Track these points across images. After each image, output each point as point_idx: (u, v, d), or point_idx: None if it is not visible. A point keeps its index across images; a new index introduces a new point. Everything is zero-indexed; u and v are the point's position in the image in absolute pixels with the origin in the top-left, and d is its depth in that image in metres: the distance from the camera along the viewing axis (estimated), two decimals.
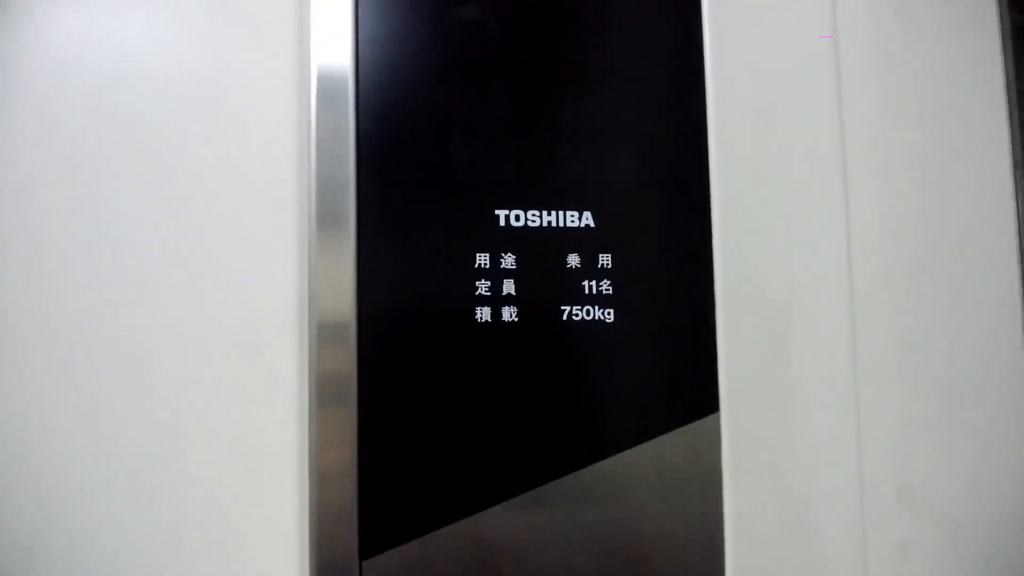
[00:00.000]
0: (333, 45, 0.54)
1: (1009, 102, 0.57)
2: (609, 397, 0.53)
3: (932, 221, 0.56)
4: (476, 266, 0.52)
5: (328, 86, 0.54)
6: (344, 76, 0.54)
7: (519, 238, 0.53)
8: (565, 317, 0.52)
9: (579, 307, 0.53)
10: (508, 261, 0.53)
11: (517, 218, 0.53)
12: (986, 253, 0.56)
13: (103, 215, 0.54)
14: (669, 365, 0.54)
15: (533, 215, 0.53)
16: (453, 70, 0.55)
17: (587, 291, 0.53)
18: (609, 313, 0.53)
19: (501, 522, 0.50)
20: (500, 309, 0.52)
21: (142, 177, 0.54)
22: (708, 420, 0.53)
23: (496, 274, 0.52)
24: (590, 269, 0.53)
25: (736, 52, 0.57)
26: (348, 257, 0.52)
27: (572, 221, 0.54)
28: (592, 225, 0.54)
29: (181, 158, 0.54)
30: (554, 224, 0.54)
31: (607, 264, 0.53)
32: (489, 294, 0.52)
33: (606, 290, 0.53)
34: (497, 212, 0.54)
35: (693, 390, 0.54)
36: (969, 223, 0.56)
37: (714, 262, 0.55)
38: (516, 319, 0.52)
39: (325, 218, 0.52)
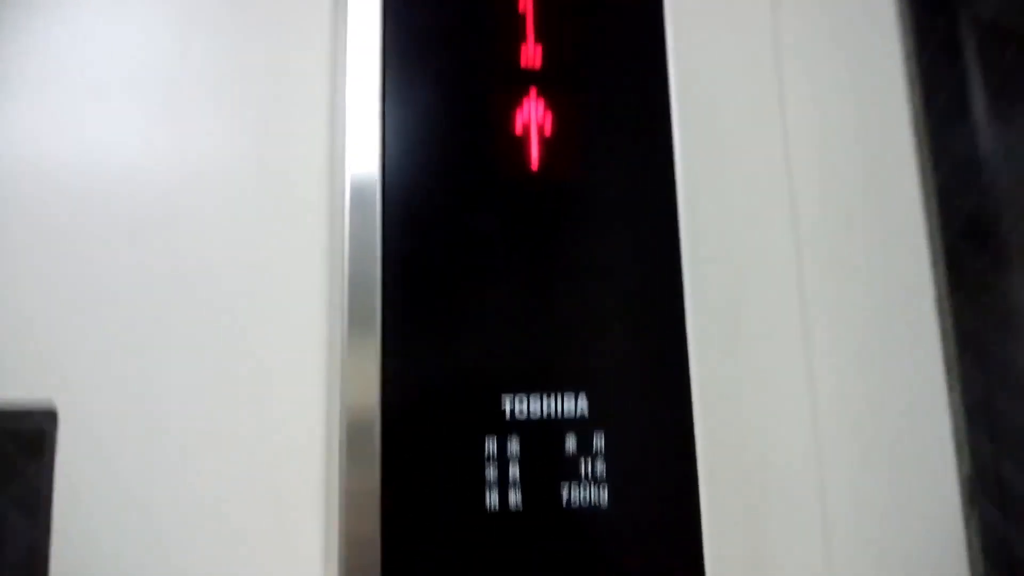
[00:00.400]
0: (363, 157, 0.63)
1: (937, 292, 0.66)
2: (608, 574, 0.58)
3: (885, 401, 0.64)
4: (485, 452, 0.59)
5: (358, 195, 0.62)
6: (372, 187, 0.62)
7: (522, 422, 0.60)
8: (564, 502, 0.58)
9: (577, 485, 0.59)
10: (513, 446, 0.59)
11: (521, 400, 0.60)
12: (927, 418, 0.64)
13: (133, 315, 0.63)
14: (659, 538, 0.59)
15: (535, 398, 0.60)
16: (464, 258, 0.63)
17: (584, 473, 0.59)
18: (604, 489, 0.59)
19: None
20: (506, 494, 0.58)
21: (176, 281, 0.64)
22: None
23: (502, 459, 0.59)
24: (586, 450, 0.60)
25: (709, 251, 0.66)
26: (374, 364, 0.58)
27: (569, 403, 0.60)
28: (587, 408, 0.60)
29: (219, 260, 0.65)
30: (554, 407, 0.60)
31: (601, 446, 0.60)
32: (496, 478, 0.58)
33: (601, 471, 0.59)
34: (503, 396, 0.60)
35: (680, 562, 0.59)
36: (910, 403, 0.64)
37: (695, 436, 0.61)
38: (520, 506, 0.58)
39: (355, 321, 0.59)
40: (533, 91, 0.67)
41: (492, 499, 0.57)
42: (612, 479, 0.59)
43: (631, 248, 0.65)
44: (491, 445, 0.58)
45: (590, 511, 0.58)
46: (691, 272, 0.64)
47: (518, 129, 0.67)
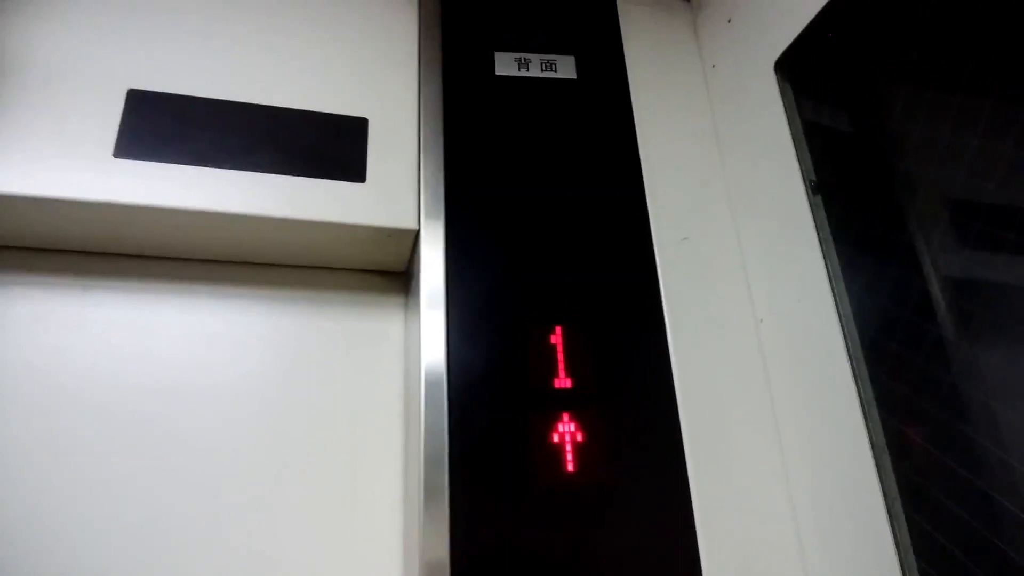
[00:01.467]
0: (432, 355, 0.85)
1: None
2: None
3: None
4: None
5: (430, 385, 0.83)
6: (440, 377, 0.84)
7: None
8: None
9: None
10: None
11: None
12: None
13: (231, 489, 0.87)
14: None
15: None
16: None
17: None
18: None
19: None
20: None
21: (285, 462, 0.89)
22: None
23: None
24: None
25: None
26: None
27: None
28: None
29: (310, 444, 0.91)
30: None
31: None
32: None
33: None
34: None
35: None
36: None
37: None
38: None
39: (430, 493, 0.78)
40: (566, 410, 0.85)
41: None
42: None
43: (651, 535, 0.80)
44: None
45: None
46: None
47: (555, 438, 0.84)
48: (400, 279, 1.03)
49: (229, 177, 0.84)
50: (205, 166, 0.84)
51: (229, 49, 0.92)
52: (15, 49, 0.84)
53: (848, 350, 0.78)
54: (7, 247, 0.90)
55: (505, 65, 1.01)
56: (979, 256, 0.73)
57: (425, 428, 0.82)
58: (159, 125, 0.85)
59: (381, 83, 0.96)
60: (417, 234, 0.91)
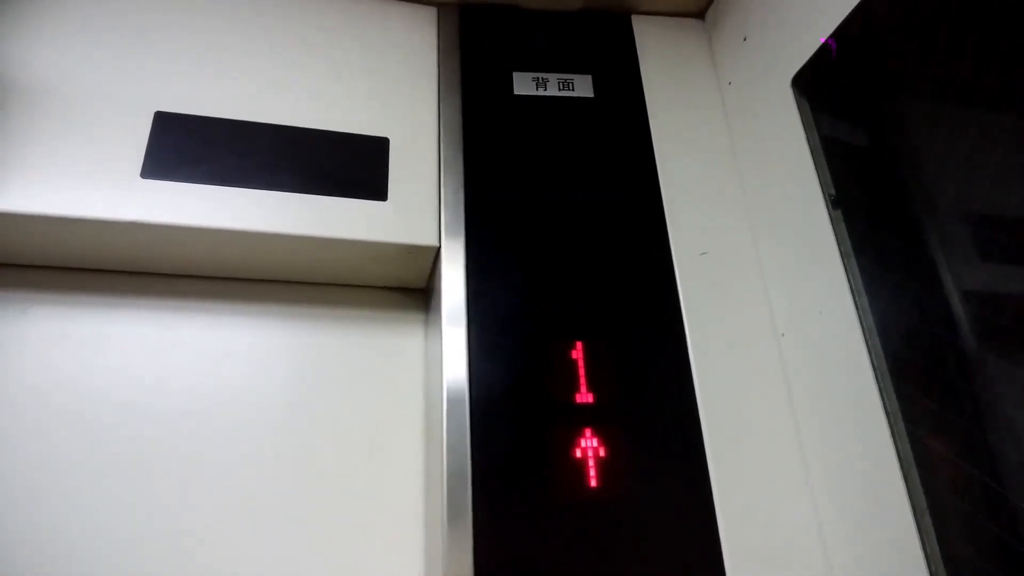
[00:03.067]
0: (454, 372, 0.85)
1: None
2: None
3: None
4: None
5: (452, 401, 0.84)
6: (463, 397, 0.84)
7: None
8: None
9: None
10: None
11: None
12: None
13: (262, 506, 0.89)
14: None
15: None
16: None
17: None
18: None
19: None
20: None
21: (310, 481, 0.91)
22: None
23: None
24: None
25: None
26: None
27: None
28: None
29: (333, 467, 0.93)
30: None
31: None
32: None
33: None
34: None
35: None
36: None
37: None
38: None
39: (453, 510, 0.78)
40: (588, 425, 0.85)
41: None
42: None
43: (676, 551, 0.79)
44: None
45: None
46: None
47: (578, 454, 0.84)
48: (421, 296, 1.04)
49: (254, 197, 0.85)
50: (230, 186, 0.85)
51: (253, 72, 0.94)
52: (45, 73, 0.86)
53: (872, 363, 0.78)
54: (32, 266, 0.92)
55: (523, 84, 1.02)
56: (1001, 268, 0.72)
57: (447, 445, 0.82)
58: (185, 146, 0.86)
59: (402, 103, 0.97)
60: (438, 251, 0.92)
